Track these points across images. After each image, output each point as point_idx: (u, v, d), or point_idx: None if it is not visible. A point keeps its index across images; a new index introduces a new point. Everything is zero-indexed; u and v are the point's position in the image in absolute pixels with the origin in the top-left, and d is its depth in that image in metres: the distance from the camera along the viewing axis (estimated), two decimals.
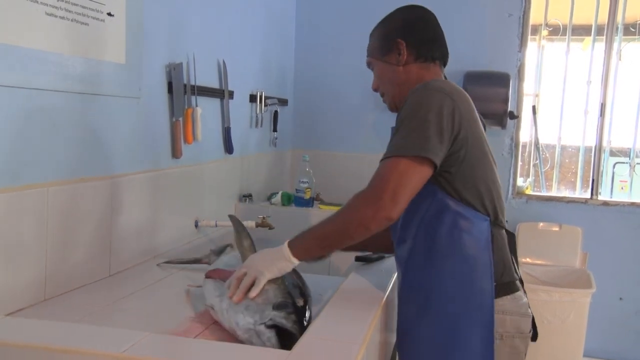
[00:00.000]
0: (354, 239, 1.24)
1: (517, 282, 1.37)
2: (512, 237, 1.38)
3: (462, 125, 1.25)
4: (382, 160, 1.24)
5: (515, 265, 1.39)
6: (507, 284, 1.33)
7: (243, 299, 1.21)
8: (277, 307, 1.16)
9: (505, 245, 1.35)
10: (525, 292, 1.40)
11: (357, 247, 1.55)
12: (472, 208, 1.29)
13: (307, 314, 1.22)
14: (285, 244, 1.27)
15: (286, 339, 1.13)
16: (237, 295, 1.22)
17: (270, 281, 1.23)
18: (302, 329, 1.16)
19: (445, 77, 1.43)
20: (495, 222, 1.32)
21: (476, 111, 1.34)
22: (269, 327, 1.13)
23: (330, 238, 1.27)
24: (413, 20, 1.42)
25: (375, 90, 1.50)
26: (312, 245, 1.28)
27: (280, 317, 1.15)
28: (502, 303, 1.32)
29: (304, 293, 1.28)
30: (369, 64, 1.48)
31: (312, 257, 1.30)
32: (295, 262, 1.26)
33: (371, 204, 1.20)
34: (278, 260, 1.25)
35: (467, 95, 1.34)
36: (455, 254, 1.29)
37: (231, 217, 1.58)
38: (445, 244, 1.29)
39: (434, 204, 1.30)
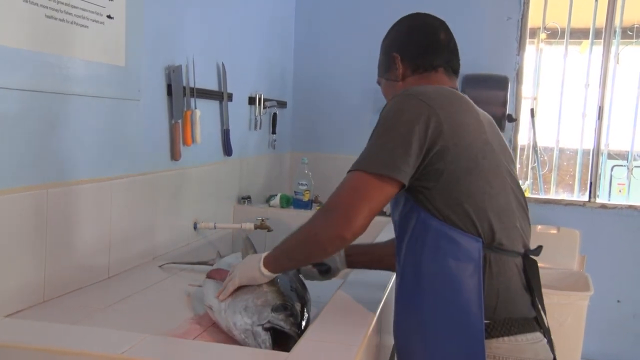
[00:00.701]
0: (315, 257, 1.19)
1: (526, 321, 1.15)
2: (532, 265, 1.19)
3: (440, 135, 1.11)
4: (348, 171, 1.15)
5: (533, 299, 1.18)
6: (505, 322, 1.14)
7: (225, 299, 1.23)
8: (275, 309, 1.16)
9: (506, 274, 1.15)
10: (546, 333, 1.18)
11: (381, 266, 1.49)
12: (459, 228, 1.13)
13: (305, 317, 1.22)
14: (264, 254, 1.23)
15: (283, 342, 1.13)
16: (222, 296, 1.24)
17: (268, 284, 1.23)
18: (300, 331, 1.17)
19: (455, 87, 1.32)
20: (492, 244, 1.14)
21: (474, 116, 1.20)
22: (266, 329, 1.14)
23: (294, 253, 1.20)
24: (406, 31, 1.34)
25: None
26: (281, 259, 1.22)
27: (278, 319, 1.15)
28: (497, 345, 1.12)
29: (302, 296, 1.28)
30: (378, 83, 1.41)
31: (284, 269, 1.25)
32: (267, 273, 1.21)
33: (324, 221, 1.13)
34: (252, 270, 1.22)
35: (463, 99, 1.22)
36: (440, 281, 1.14)
37: (245, 239, 1.56)
38: (430, 269, 1.15)
39: (418, 224, 1.17)
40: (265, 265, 1.21)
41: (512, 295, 1.15)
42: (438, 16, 1.36)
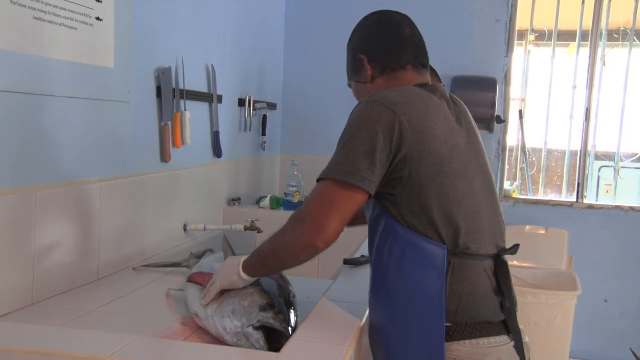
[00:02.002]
0: (289, 265, 1.18)
1: (490, 325, 1.14)
2: (502, 267, 1.18)
3: (404, 142, 1.10)
4: (317, 180, 1.14)
5: (503, 302, 1.16)
6: (467, 326, 1.13)
7: (207, 303, 1.24)
8: (263, 308, 1.17)
9: (470, 279, 1.14)
10: (513, 335, 1.16)
11: None
12: (423, 235, 1.13)
13: (294, 314, 1.23)
14: (243, 259, 1.22)
15: (274, 340, 1.14)
16: (204, 301, 1.25)
17: (252, 284, 1.23)
18: (291, 327, 1.17)
19: (427, 81, 1.28)
20: (456, 250, 1.13)
21: (441, 119, 1.16)
22: (257, 328, 1.14)
23: (269, 260, 1.20)
24: (369, 31, 1.30)
25: None
26: (257, 266, 1.20)
27: (268, 318, 1.15)
28: (458, 348, 1.12)
29: (287, 293, 1.29)
30: (349, 86, 1.38)
31: (261, 275, 1.23)
32: (246, 278, 1.20)
33: (295, 231, 1.13)
34: (232, 274, 1.21)
35: (429, 101, 1.17)
36: (404, 287, 1.14)
37: (224, 240, 1.59)
38: (395, 275, 1.15)
39: (385, 230, 1.17)
40: (245, 270, 1.20)
41: (476, 300, 1.14)
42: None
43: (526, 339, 1.20)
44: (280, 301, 1.22)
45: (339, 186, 1.10)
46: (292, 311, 1.23)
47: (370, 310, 1.24)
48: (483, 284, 1.16)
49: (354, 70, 1.32)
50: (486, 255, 1.17)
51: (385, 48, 1.27)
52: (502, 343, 1.15)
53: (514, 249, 1.22)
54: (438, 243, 1.13)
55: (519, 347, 1.17)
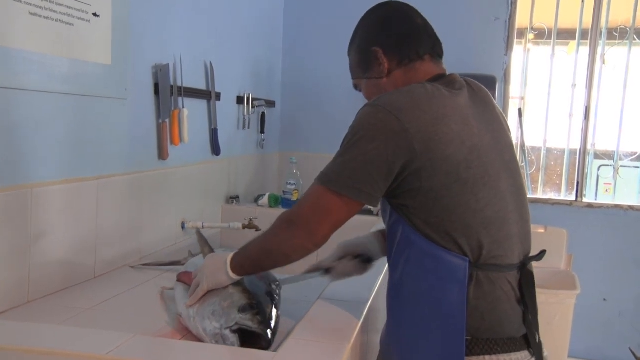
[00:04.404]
0: (279, 265, 1.16)
1: (512, 341, 1.09)
2: (528, 278, 1.11)
3: (411, 154, 1.03)
4: (315, 180, 1.11)
5: (526, 314, 1.11)
6: (488, 341, 1.07)
7: (193, 304, 1.21)
8: (242, 309, 1.14)
9: (495, 293, 1.07)
10: (535, 350, 1.11)
11: None
12: (443, 247, 1.06)
13: (275, 315, 1.21)
14: (230, 256, 1.19)
15: (255, 342, 1.12)
16: (190, 302, 1.22)
17: (235, 284, 1.20)
18: (270, 328, 1.15)
19: (443, 71, 1.22)
20: (479, 262, 1.06)
21: (457, 119, 1.08)
22: (234, 331, 1.12)
23: (259, 261, 1.18)
24: (379, 23, 1.23)
25: None
26: (245, 263, 1.18)
27: (245, 320, 1.13)
28: None
29: (270, 292, 1.26)
30: (355, 87, 1.30)
31: (249, 274, 1.21)
32: (234, 277, 1.18)
33: (287, 232, 1.12)
34: (219, 273, 1.19)
35: (442, 101, 1.09)
36: (422, 299, 1.09)
37: (197, 234, 1.54)
38: (413, 284, 1.10)
39: (402, 237, 1.10)
40: (233, 270, 1.18)
41: (499, 317, 1.08)
42: (426, 16, 1.27)
43: (545, 352, 1.16)
44: (261, 302, 1.19)
45: (336, 196, 1.07)
46: (273, 312, 1.20)
47: (388, 317, 1.20)
48: (508, 298, 1.09)
49: (365, 66, 1.23)
50: (512, 265, 1.10)
51: (401, 38, 1.19)
52: (523, 359, 1.10)
53: (540, 256, 1.18)
54: (459, 254, 1.05)
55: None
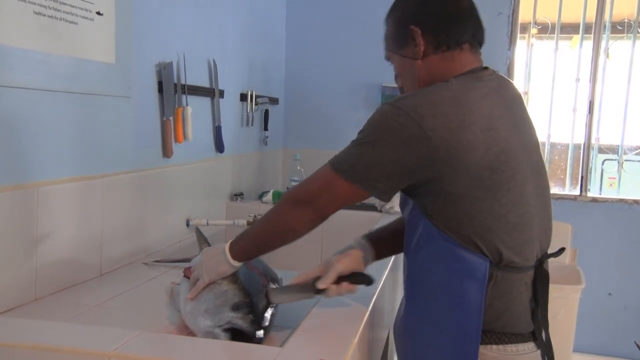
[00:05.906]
0: (285, 240, 1.16)
1: (520, 335, 1.11)
2: (543, 278, 1.12)
3: (433, 163, 1.01)
4: (328, 162, 1.11)
5: (535, 312, 1.13)
6: (499, 335, 1.09)
7: (194, 296, 1.20)
8: (234, 308, 1.14)
9: (511, 293, 1.08)
10: (545, 347, 1.13)
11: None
12: (462, 246, 1.05)
13: (269, 312, 1.20)
14: (227, 245, 1.19)
15: (247, 341, 1.12)
16: (191, 294, 1.21)
17: (228, 280, 1.19)
18: (261, 328, 1.15)
19: (480, 63, 1.17)
20: (500, 264, 1.06)
21: (485, 122, 1.03)
22: (225, 330, 1.13)
23: (263, 238, 1.18)
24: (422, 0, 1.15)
25: (401, 88, 1.22)
26: (248, 247, 1.18)
27: (237, 319, 1.13)
28: (484, 352, 1.08)
29: (265, 291, 1.25)
30: (387, 58, 1.23)
31: (251, 258, 1.21)
32: (236, 264, 1.17)
33: (294, 210, 1.13)
34: (220, 264, 1.18)
35: (470, 105, 1.03)
36: (441, 297, 1.09)
37: (196, 231, 1.52)
38: (431, 283, 1.10)
39: (423, 232, 1.09)
40: (234, 257, 1.17)
41: (512, 316, 1.10)
42: None
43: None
44: (255, 300, 1.18)
45: (346, 183, 1.07)
46: (266, 311, 1.20)
47: (404, 309, 1.20)
48: (522, 298, 1.10)
49: (399, 42, 1.16)
50: (530, 266, 1.11)
51: (443, 21, 1.12)
52: (529, 351, 1.11)
53: (559, 253, 1.17)
54: (480, 255, 1.05)
55: (549, 355, 1.14)
